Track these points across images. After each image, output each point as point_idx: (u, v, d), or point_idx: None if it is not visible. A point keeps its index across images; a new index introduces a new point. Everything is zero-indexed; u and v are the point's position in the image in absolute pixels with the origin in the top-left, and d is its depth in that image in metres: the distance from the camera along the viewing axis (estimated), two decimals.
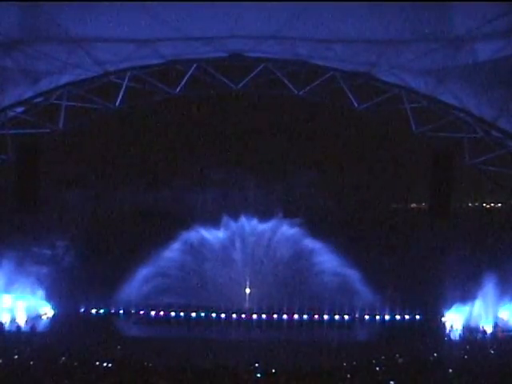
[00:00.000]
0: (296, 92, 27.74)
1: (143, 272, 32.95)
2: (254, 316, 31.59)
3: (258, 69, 26.85)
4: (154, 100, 28.97)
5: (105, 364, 19.60)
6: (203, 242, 35.30)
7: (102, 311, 32.23)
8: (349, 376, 18.09)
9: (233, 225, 35.81)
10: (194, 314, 31.39)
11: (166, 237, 34.36)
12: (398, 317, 31.90)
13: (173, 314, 31.62)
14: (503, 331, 28.37)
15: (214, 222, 35.54)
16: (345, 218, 38.08)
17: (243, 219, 35.69)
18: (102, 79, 27.27)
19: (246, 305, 33.97)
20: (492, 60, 22.00)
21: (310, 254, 34.34)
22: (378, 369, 19.36)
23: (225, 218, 35.76)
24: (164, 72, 27.53)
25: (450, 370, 18.80)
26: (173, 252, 34.20)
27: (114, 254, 35.38)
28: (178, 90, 27.73)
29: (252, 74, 27.09)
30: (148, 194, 38.41)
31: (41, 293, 30.69)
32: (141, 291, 32.55)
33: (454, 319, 29.60)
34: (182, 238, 34.53)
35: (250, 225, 35.70)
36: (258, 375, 18.28)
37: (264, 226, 35.60)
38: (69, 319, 30.01)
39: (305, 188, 37.92)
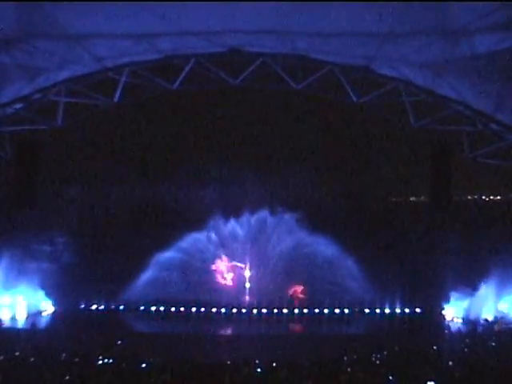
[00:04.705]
0: (294, 86, 27.70)
1: (143, 267, 32.95)
2: (255, 311, 31.58)
3: (257, 63, 26.81)
4: (152, 95, 28.93)
5: (105, 360, 19.60)
6: (202, 237, 35.30)
7: (102, 307, 32.21)
8: (349, 369, 18.09)
9: (232, 220, 35.83)
10: (194, 309, 31.38)
11: (164, 232, 34.38)
12: (397, 310, 31.90)
13: (173, 309, 31.61)
14: (503, 324, 28.40)
15: (213, 218, 35.52)
16: (343, 211, 38.06)
17: (242, 214, 35.71)
18: (100, 75, 27.24)
19: (246, 299, 34.04)
20: (490, 53, 21.98)
21: (309, 249, 34.32)
22: (377, 362, 19.38)
23: (224, 214, 35.75)
24: (162, 67, 27.48)
25: (450, 363, 18.81)
26: (172, 247, 34.19)
27: (114, 249, 35.38)
28: (176, 85, 27.67)
29: (250, 69, 27.05)
30: (147, 190, 38.41)
31: (41, 289, 30.65)
32: (141, 287, 32.55)
33: (454, 312, 29.66)
34: (181, 234, 34.51)
35: (248, 220, 35.71)
36: (259, 370, 18.27)
37: (263, 221, 35.62)
38: (69, 315, 30.01)
39: (303, 182, 37.94)
